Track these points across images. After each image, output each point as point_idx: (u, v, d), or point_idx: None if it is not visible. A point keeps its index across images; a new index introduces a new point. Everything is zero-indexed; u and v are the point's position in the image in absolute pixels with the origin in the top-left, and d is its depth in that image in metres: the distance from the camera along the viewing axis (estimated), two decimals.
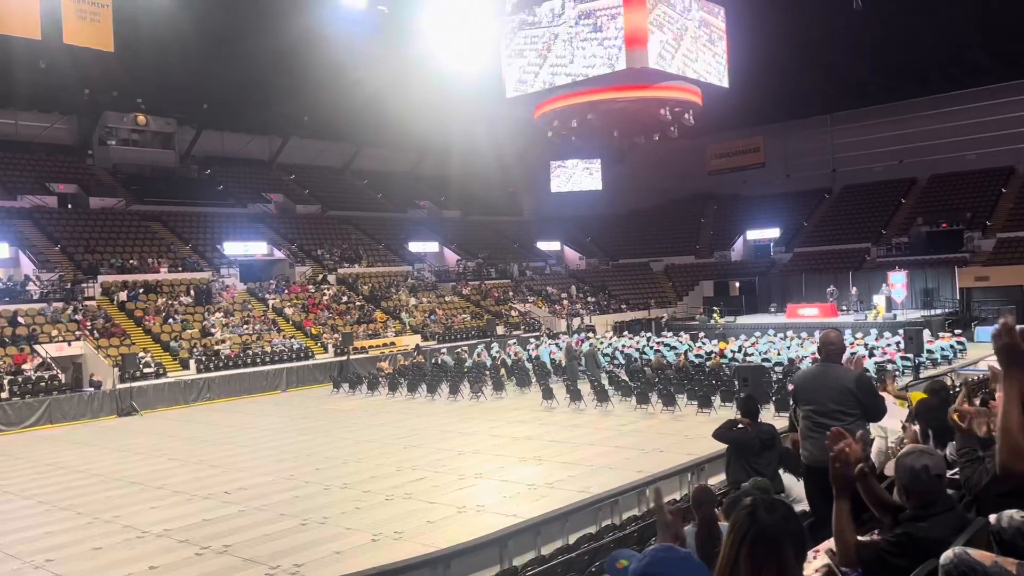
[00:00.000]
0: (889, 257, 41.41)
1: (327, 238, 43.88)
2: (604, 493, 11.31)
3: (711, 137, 52.44)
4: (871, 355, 22.30)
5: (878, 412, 5.72)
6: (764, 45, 32.03)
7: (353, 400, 25.94)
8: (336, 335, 33.00)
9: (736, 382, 20.70)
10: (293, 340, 32.00)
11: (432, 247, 48.15)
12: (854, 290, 36.73)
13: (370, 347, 33.02)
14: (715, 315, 37.78)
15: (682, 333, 32.82)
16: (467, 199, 52.93)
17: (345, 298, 37.74)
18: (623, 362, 28.78)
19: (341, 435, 19.47)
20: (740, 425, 7.22)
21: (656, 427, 18.33)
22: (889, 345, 24.54)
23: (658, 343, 30.87)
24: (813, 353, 23.37)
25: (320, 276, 39.29)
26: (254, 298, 35.56)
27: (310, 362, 30.79)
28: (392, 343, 34.07)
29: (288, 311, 34.88)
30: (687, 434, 17.11)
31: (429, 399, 24.84)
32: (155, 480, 15.49)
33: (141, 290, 32.55)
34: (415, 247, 46.82)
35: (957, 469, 4.02)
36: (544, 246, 54.04)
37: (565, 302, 44.18)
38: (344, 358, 30.96)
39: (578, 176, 56.36)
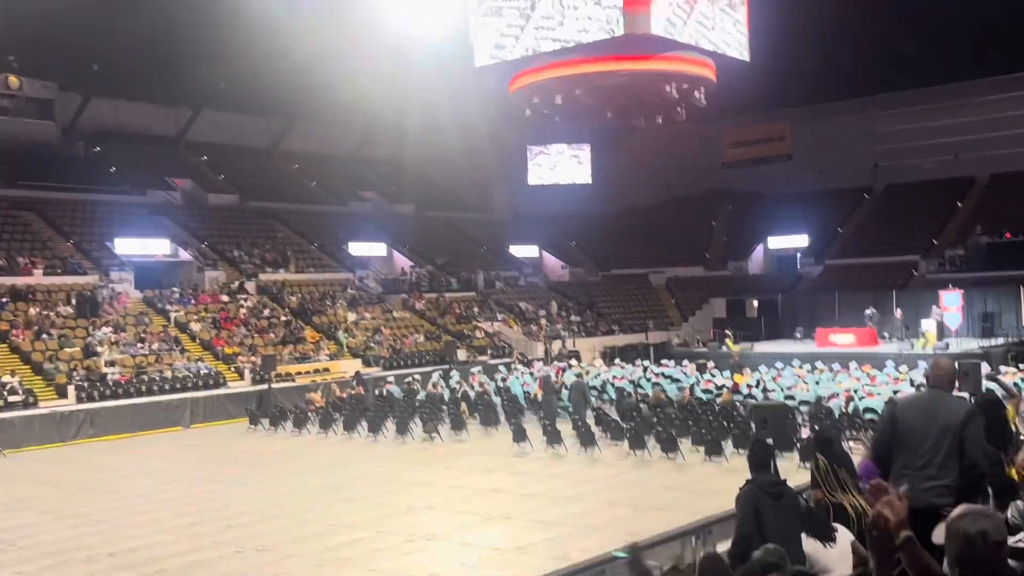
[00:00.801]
0: (941, 273, 42.07)
1: (246, 236, 43.62)
2: (588, 561, 11.32)
3: (727, 122, 52.99)
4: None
5: (980, 462, 5.80)
6: (794, 12, 32.51)
7: (275, 440, 25.74)
8: (255, 358, 32.78)
9: (753, 424, 20.85)
10: (200, 363, 31.74)
11: (379, 249, 48.02)
12: (898, 313, 37.25)
13: (297, 373, 32.82)
14: (728, 341, 38.07)
15: (687, 363, 33.03)
16: (424, 190, 52.94)
17: (267, 311, 37.53)
18: (613, 397, 28.85)
19: (259, 484, 19.31)
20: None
21: (654, 478, 18.39)
22: None
23: (657, 374, 30.97)
24: (847, 391, 23.65)
25: (236, 283, 39.06)
26: (152, 309, 35.24)
27: (221, 391, 30.58)
28: (326, 369, 33.87)
29: (195, 327, 34.60)
30: (692, 488, 17.19)
31: (371, 440, 24.75)
32: (20, 538, 15.23)
33: (7, 298, 32.08)
34: (357, 249, 46.66)
35: (1021, 535, 4.10)
36: (519, 251, 54.18)
37: (543, 321, 44.29)
38: (264, 387, 30.76)
39: (563, 166, 56.67)
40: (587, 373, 31.96)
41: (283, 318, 37.40)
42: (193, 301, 36.59)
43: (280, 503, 17.33)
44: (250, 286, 39.40)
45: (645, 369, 32.57)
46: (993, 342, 34.49)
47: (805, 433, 20.24)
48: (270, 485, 19.19)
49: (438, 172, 52.74)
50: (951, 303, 36.04)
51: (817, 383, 26.50)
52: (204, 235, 42.39)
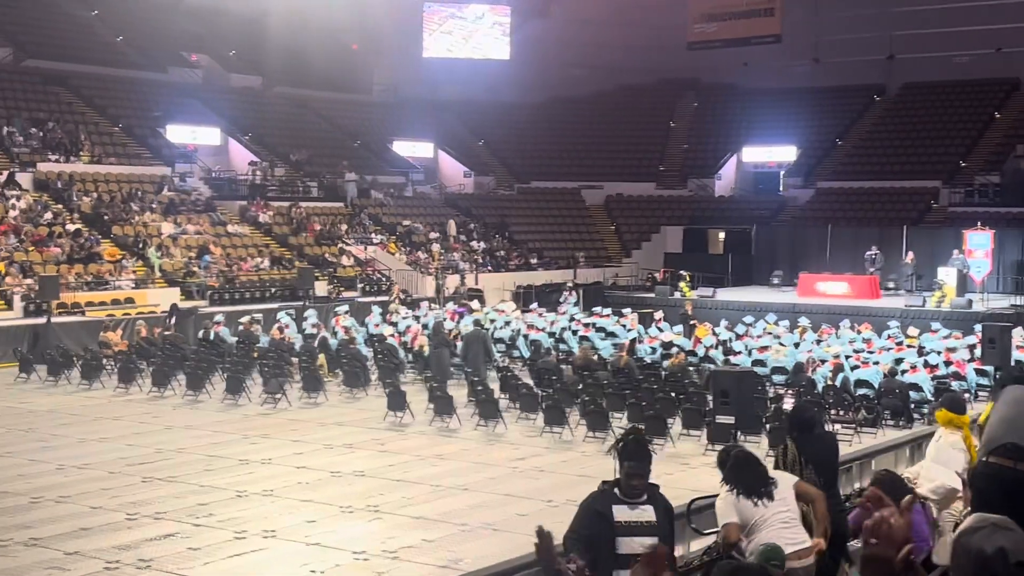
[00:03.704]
0: (969, 206, 43.14)
1: (21, 108, 42.66)
2: (483, 570, 11.48)
3: None
4: (927, 365, 23.33)
5: None
6: None
7: (55, 395, 25.42)
8: (29, 281, 32.20)
9: (710, 396, 21.26)
10: None
11: (210, 136, 47.21)
12: (909, 256, 38.19)
13: (89, 304, 32.38)
14: (683, 285, 38.60)
15: (628, 312, 33.44)
16: (277, 58, 52.01)
17: (49, 215, 36.74)
18: (527, 355, 29.07)
19: (31, 454, 19.08)
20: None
21: (574, 464, 18.64)
22: (956, 350, 25.70)
23: (587, 326, 31.27)
24: (835, 357, 24.25)
25: (5, 174, 38.16)
26: None
27: None
28: (129, 300, 33.44)
29: None
30: None
31: (191, 399, 24.59)
32: None
33: None
34: (179, 134, 45.83)
35: None
36: (406, 149, 53.85)
37: (436, 248, 44.27)
38: (42, 321, 30.27)
39: (478, 35, 56.14)
40: (492, 321, 32.10)
41: (71, 226, 36.64)
42: None
43: (60, 482, 17.09)
44: (24, 179, 38.55)
45: (571, 318, 32.83)
46: None
47: (787, 405, 20.72)
48: (46, 456, 18.90)
49: (298, 33, 51.77)
50: (978, 246, 36.96)
51: (797, 346, 27.12)
52: None
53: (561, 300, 38.22)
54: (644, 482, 7.08)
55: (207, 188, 43.62)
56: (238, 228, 41.21)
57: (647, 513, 7.02)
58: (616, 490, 7.10)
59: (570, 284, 41.61)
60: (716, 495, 8.54)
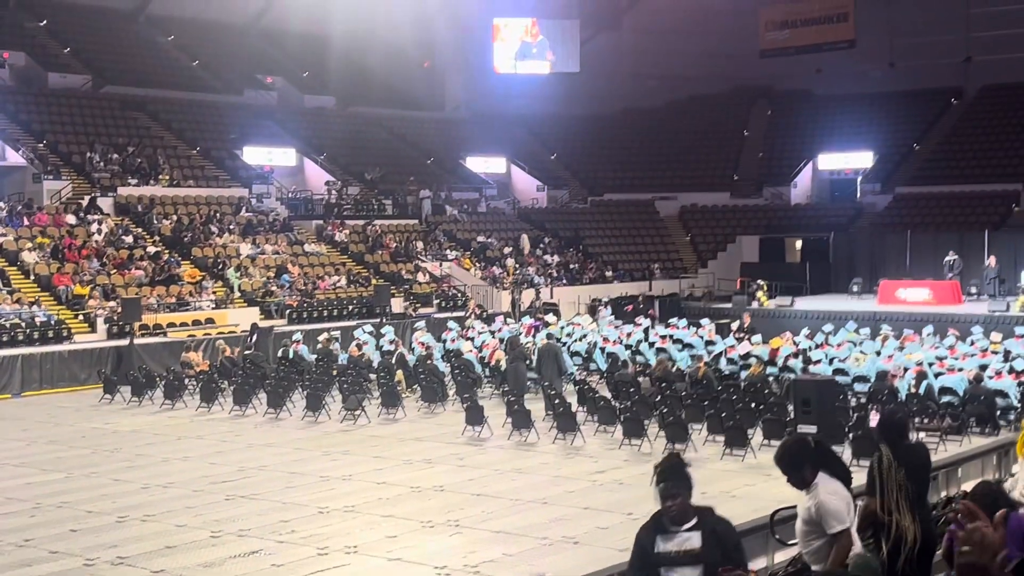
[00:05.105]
0: None
1: (102, 133, 43.21)
2: None
3: None
4: (1012, 371, 22.91)
5: None
6: None
7: (139, 415, 25.72)
8: (112, 303, 32.62)
9: (791, 406, 21.05)
10: (36, 308, 31.54)
11: (286, 157, 47.66)
12: (991, 261, 37.63)
13: (171, 325, 32.76)
14: (760, 294, 38.29)
15: (705, 322, 33.27)
16: (350, 78, 52.49)
17: (130, 239, 37.25)
18: (604, 367, 29.00)
19: (116, 474, 19.31)
20: None
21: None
22: None
23: (663, 337, 31.14)
24: (918, 364, 23.90)
25: (87, 199, 38.70)
26: None
27: (65, 347, 30.45)
28: (210, 320, 33.82)
29: (28, 257, 34.33)
30: (704, 490, 17.34)
31: (272, 417, 24.83)
32: None
33: None
34: (256, 155, 46.31)
35: None
36: (479, 165, 54.01)
37: (510, 262, 44.31)
38: (125, 343, 30.67)
39: (545, 48, 56.21)
40: (568, 335, 32.06)
41: (152, 249, 37.12)
42: (26, 221, 36.19)
43: (145, 500, 17.29)
44: (106, 203, 39.05)
45: (647, 330, 32.71)
46: None
47: (873, 420, 20.40)
48: (131, 475, 19.12)
49: (370, 52, 52.21)
50: None
51: (879, 353, 26.77)
52: (42, 131, 41.89)
53: (596, 316, 37.75)
54: (682, 503, 6.61)
55: (284, 208, 44.07)
56: (315, 247, 41.57)
57: (690, 541, 6.55)
58: (664, 517, 6.64)
59: (605, 299, 41.06)
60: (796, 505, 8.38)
